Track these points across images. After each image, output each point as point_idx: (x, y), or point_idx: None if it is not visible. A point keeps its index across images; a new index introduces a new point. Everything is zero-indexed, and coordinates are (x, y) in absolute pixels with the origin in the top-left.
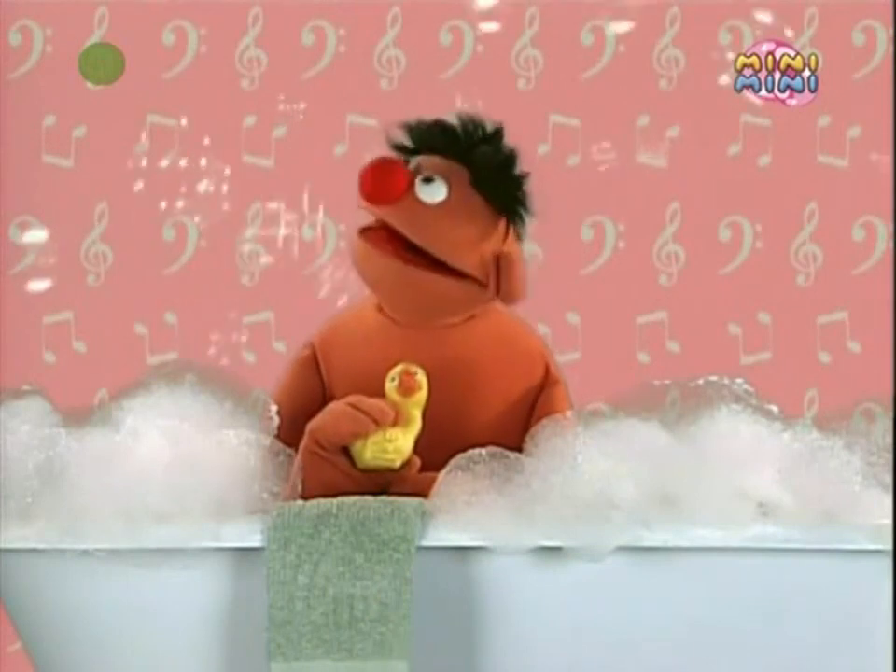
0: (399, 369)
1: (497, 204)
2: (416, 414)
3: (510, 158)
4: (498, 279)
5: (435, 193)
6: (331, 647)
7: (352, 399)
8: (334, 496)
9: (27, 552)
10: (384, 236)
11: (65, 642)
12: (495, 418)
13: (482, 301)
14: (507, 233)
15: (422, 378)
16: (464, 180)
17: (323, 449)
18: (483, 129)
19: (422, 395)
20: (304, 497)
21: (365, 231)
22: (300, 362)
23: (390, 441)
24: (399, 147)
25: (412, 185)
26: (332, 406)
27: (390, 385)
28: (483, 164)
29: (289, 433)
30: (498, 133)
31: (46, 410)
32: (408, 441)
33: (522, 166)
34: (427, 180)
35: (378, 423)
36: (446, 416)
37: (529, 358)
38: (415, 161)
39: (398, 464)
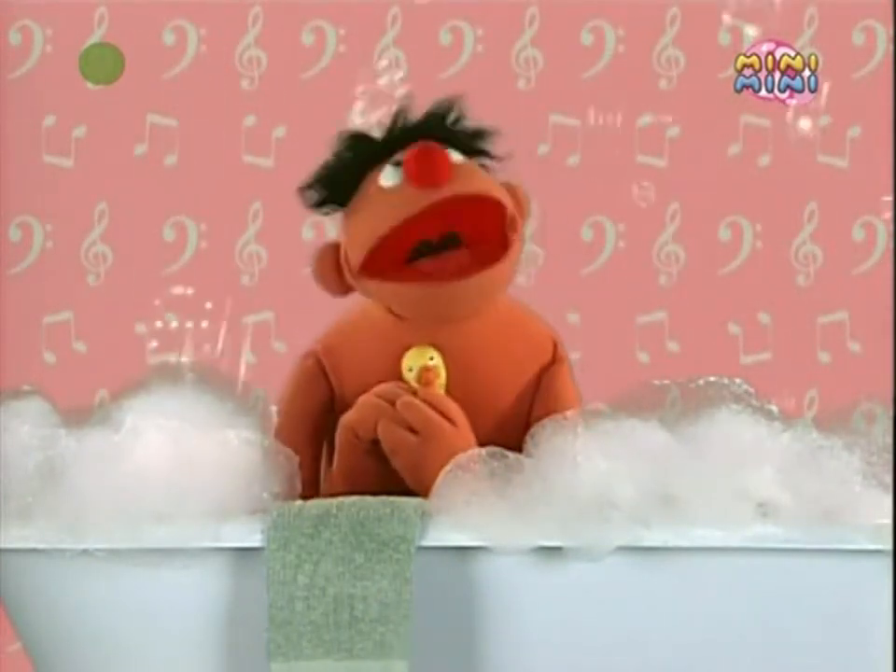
0: (413, 358)
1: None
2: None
3: (445, 113)
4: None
5: (455, 154)
6: (331, 647)
7: (385, 390)
8: (364, 484)
9: (27, 552)
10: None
11: (65, 642)
12: (508, 405)
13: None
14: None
15: (439, 363)
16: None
17: (359, 440)
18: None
19: (441, 381)
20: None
21: (409, 269)
22: (304, 373)
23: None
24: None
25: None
26: (366, 399)
27: (408, 375)
28: (438, 137)
29: (296, 442)
30: (404, 108)
31: (46, 410)
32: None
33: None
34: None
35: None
36: (461, 406)
37: (539, 340)
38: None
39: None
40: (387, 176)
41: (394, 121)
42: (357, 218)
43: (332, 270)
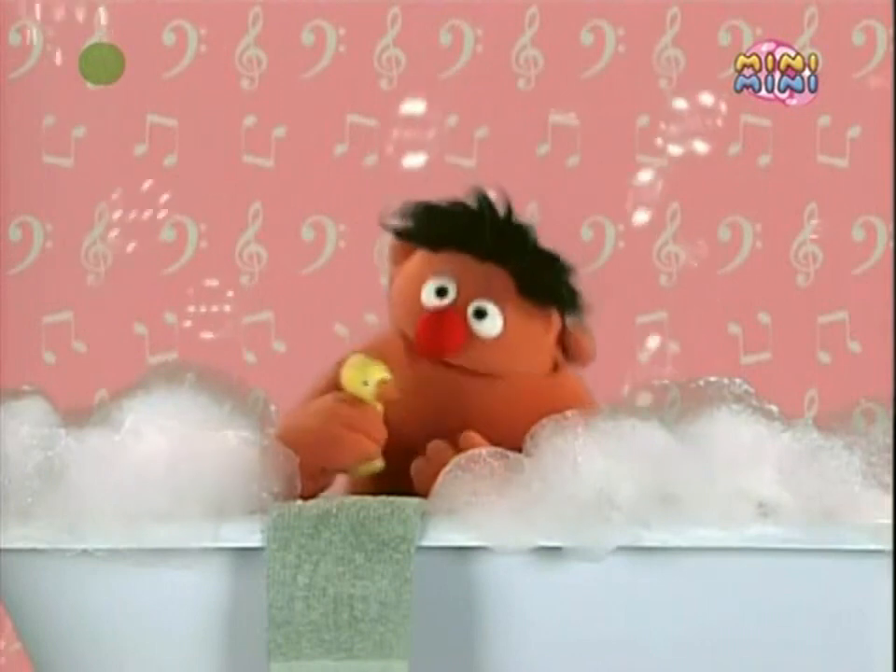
0: (362, 370)
1: (551, 305)
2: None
3: (549, 256)
4: (566, 353)
5: (491, 328)
6: (331, 647)
7: (344, 416)
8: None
9: (27, 552)
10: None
11: (65, 642)
12: None
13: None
14: (561, 314)
15: (391, 378)
16: (511, 293)
17: (324, 473)
18: (503, 217)
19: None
20: (304, 499)
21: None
22: (329, 382)
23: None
24: (409, 235)
25: (468, 328)
26: (327, 430)
27: (364, 390)
28: (529, 273)
29: None
30: (520, 221)
31: (46, 410)
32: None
33: (557, 255)
34: (480, 314)
35: (379, 442)
36: None
37: (564, 404)
38: (452, 280)
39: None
40: (427, 296)
41: (512, 229)
42: (401, 285)
43: (395, 263)
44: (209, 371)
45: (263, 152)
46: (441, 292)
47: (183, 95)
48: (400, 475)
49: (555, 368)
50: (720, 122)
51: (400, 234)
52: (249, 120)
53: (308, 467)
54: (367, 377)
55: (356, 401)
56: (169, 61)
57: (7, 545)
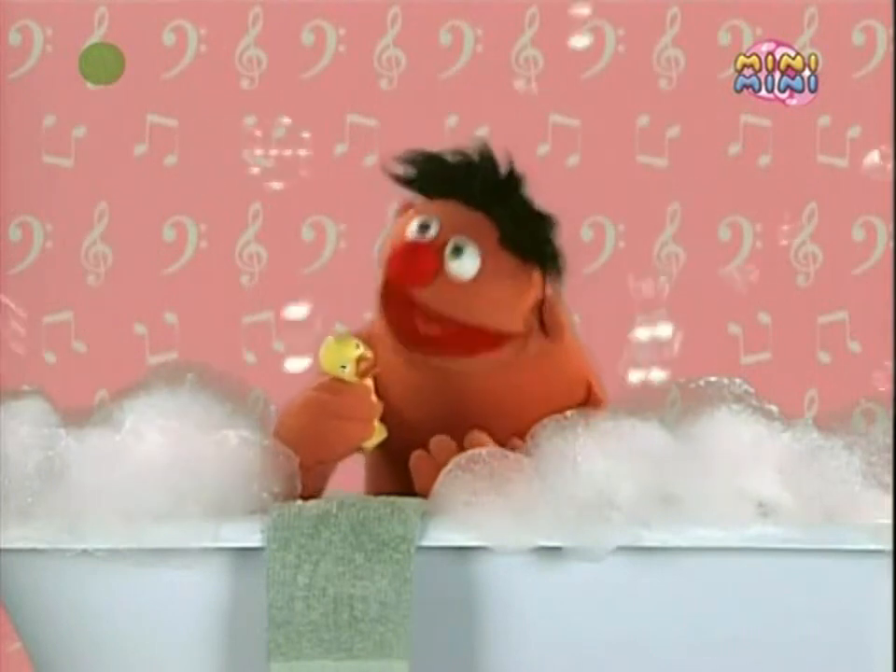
0: (338, 353)
1: (531, 260)
2: (370, 381)
3: (536, 211)
4: (542, 324)
5: (467, 267)
6: (331, 647)
7: (329, 406)
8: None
9: (27, 552)
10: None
11: (65, 642)
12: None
13: (522, 353)
14: (543, 279)
15: (369, 353)
16: (493, 240)
17: (322, 464)
18: (499, 170)
19: (376, 367)
20: (305, 498)
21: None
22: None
23: (377, 422)
24: (406, 181)
25: (442, 262)
26: (315, 424)
27: (344, 372)
28: (513, 223)
29: None
30: (515, 175)
31: (46, 410)
32: (380, 407)
33: (545, 211)
34: (457, 251)
35: (371, 420)
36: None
37: (568, 383)
38: (436, 219)
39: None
40: (410, 231)
41: (505, 181)
42: (393, 230)
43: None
44: (209, 371)
45: (263, 152)
46: (424, 228)
47: (183, 95)
48: (404, 465)
49: (528, 334)
50: (720, 122)
51: (398, 180)
52: (249, 120)
53: (304, 460)
54: (343, 359)
55: (339, 386)
56: (169, 61)
57: (7, 545)
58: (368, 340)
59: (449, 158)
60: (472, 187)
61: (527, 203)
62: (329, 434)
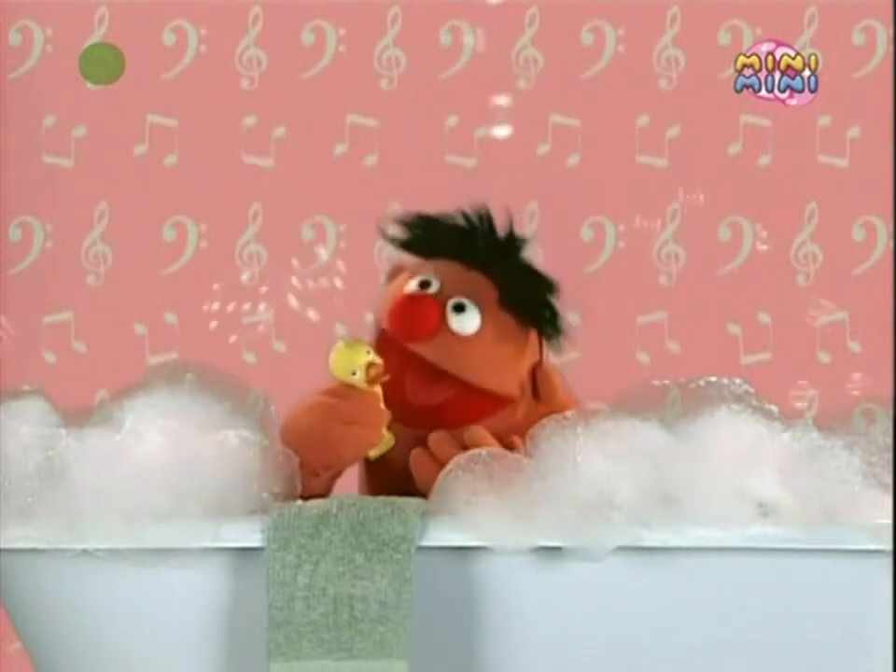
0: (349, 358)
1: (529, 321)
2: (379, 388)
3: (536, 272)
4: (536, 389)
5: (468, 324)
6: (331, 647)
7: (338, 412)
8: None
9: (27, 552)
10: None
11: (65, 642)
12: None
13: (512, 418)
14: (540, 343)
15: (378, 359)
16: (492, 300)
17: (329, 470)
18: (497, 232)
19: (384, 373)
20: (305, 499)
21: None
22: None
23: (385, 429)
24: (403, 244)
25: (443, 316)
26: (324, 429)
27: (353, 379)
28: (513, 284)
29: None
30: (515, 236)
31: (46, 410)
32: (388, 415)
33: (544, 273)
34: (459, 308)
35: (380, 427)
36: None
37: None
38: (436, 277)
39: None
40: (409, 287)
41: (504, 241)
42: (391, 287)
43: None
44: (209, 371)
45: (263, 152)
46: (424, 285)
47: (183, 95)
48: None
49: (521, 398)
50: (720, 122)
51: (394, 242)
52: (249, 120)
53: (311, 465)
54: (354, 365)
55: (348, 392)
56: (169, 61)
57: (7, 545)
58: (375, 348)
59: (443, 220)
60: (472, 249)
61: (527, 265)
62: (336, 439)
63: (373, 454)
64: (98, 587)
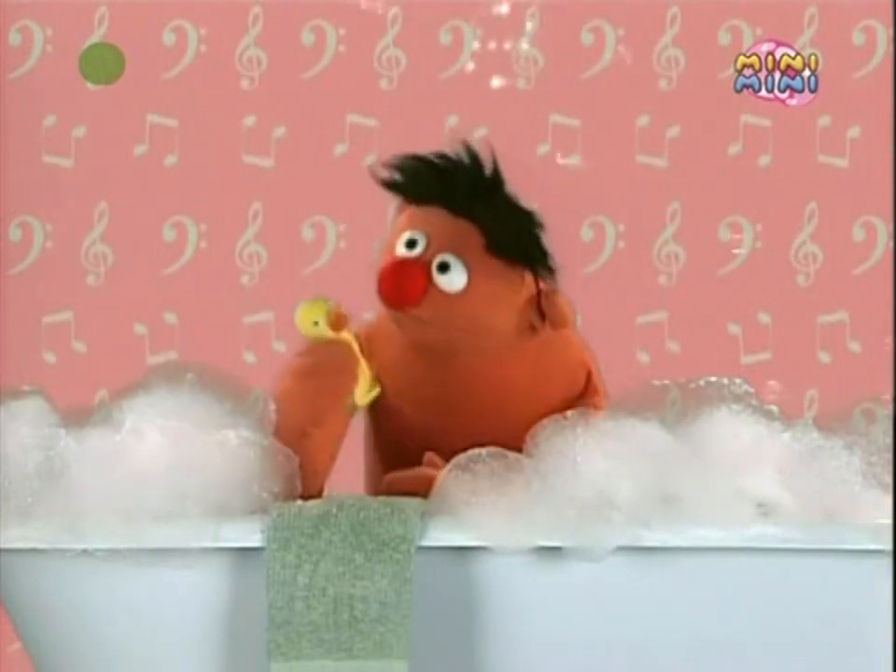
0: (311, 312)
1: (520, 264)
2: (349, 334)
3: (520, 211)
4: (544, 317)
5: (455, 281)
6: (331, 647)
7: (306, 368)
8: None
9: (27, 552)
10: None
11: (65, 642)
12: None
13: (524, 341)
14: (535, 277)
15: (339, 307)
16: (480, 248)
17: (318, 427)
18: (481, 170)
19: (348, 319)
20: (308, 496)
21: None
22: None
23: (364, 375)
24: (393, 186)
25: (430, 280)
26: (298, 389)
27: (317, 329)
28: (498, 228)
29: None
30: (498, 174)
31: (46, 410)
32: (364, 360)
33: (529, 210)
34: (443, 267)
35: (352, 370)
36: (481, 432)
37: (569, 373)
38: (422, 234)
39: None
40: (399, 248)
41: (487, 182)
42: (385, 240)
43: None
44: (209, 371)
45: (263, 152)
46: (412, 244)
47: (183, 95)
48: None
49: (533, 331)
50: (720, 122)
51: (385, 184)
52: (249, 120)
53: (298, 427)
54: (314, 316)
55: (314, 346)
56: (169, 61)
57: (7, 545)
58: (368, 338)
59: (430, 161)
60: (454, 191)
61: (511, 204)
62: (311, 392)
63: (360, 402)
64: (98, 587)
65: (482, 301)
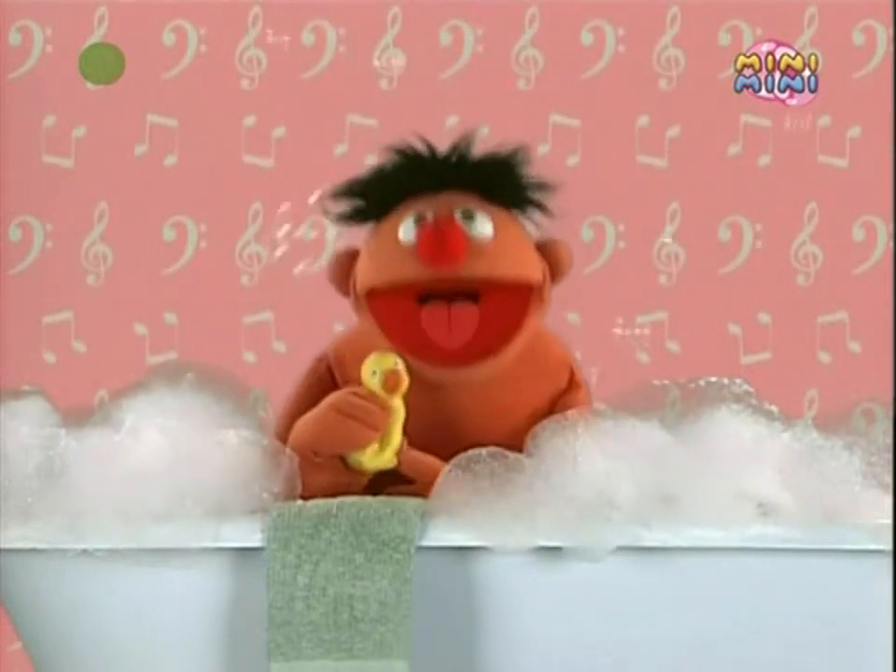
0: (376, 362)
1: (517, 208)
2: (400, 405)
3: (502, 161)
4: (550, 266)
5: (486, 226)
6: (331, 647)
7: (340, 402)
8: (333, 495)
9: (27, 552)
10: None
11: (65, 642)
12: (521, 433)
13: (541, 311)
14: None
15: (402, 368)
16: (479, 202)
17: (318, 457)
18: (438, 151)
19: (404, 386)
20: (304, 498)
21: (408, 329)
22: (315, 374)
23: (388, 445)
24: (358, 213)
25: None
26: (322, 415)
27: (372, 381)
28: (488, 181)
29: None
30: (457, 148)
31: (46, 410)
32: (399, 436)
33: (507, 152)
34: (468, 215)
35: (377, 430)
36: (472, 435)
37: (554, 368)
38: (424, 209)
39: (396, 462)
40: (406, 231)
41: (450, 152)
42: (373, 248)
43: (345, 277)
44: (209, 371)
45: (263, 152)
46: (420, 219)
47: (183, 95)
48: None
49: (544, 279)
50: (720, 122)
51: (349, 216)
52: (249, 120)
53: (306, 447)
54: (376, 367)
55: (359, 389)
56: (169, 61)
57: (7, 545)
58: (339, 360)
59: (380, 170)
60: (428, 177)
61: (486, 157)
62: (328, 424)
63: (368, 465)
64: (98, 587)
65: (512, 244)
